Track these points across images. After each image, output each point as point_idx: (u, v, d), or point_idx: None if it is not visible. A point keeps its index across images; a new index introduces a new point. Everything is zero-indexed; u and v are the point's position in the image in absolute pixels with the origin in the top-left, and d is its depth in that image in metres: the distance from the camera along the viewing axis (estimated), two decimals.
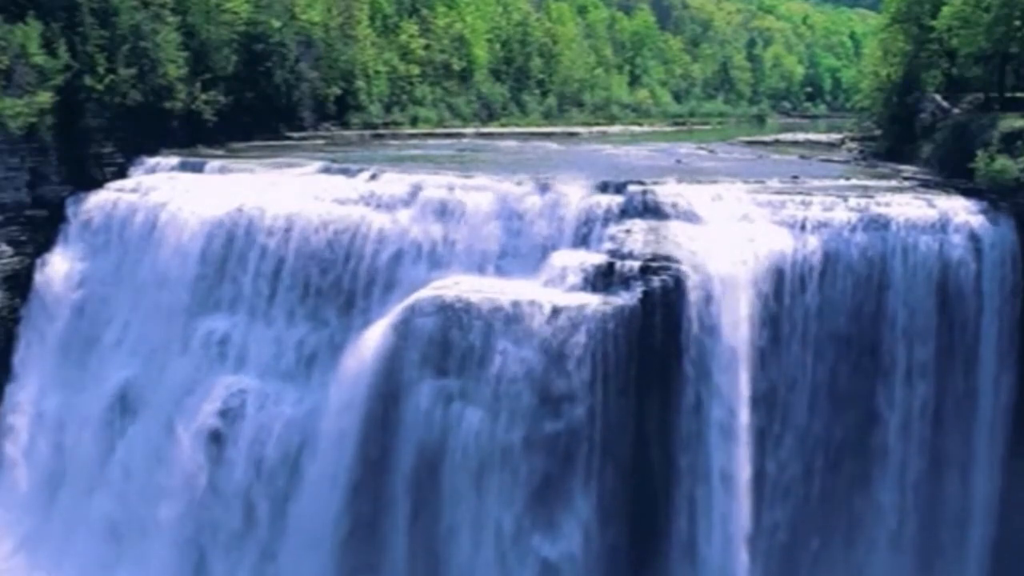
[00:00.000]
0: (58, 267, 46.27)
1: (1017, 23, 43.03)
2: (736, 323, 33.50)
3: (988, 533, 34.74)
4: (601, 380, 33.40)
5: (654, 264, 34.08)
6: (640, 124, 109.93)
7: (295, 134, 64.36)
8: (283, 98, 64.42)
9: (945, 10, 46.21)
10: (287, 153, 53.33)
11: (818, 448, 34.60)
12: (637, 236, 35.24)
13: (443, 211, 38.43)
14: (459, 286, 35.73)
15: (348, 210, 39.91)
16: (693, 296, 33.45)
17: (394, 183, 41.03)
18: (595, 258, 35.11)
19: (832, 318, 34.29)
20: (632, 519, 34.15)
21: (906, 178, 42.42)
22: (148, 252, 42.93)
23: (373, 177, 42.28)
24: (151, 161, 49.89)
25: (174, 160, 49.45)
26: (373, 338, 35.93)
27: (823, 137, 74.82)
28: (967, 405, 34.54)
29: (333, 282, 38.83)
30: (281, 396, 38.52)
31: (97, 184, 48.43)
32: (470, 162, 52.62)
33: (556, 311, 33.71)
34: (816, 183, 40.58)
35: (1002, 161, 36.34)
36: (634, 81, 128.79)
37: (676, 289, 33.59)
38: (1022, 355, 34.35)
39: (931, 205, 35.80)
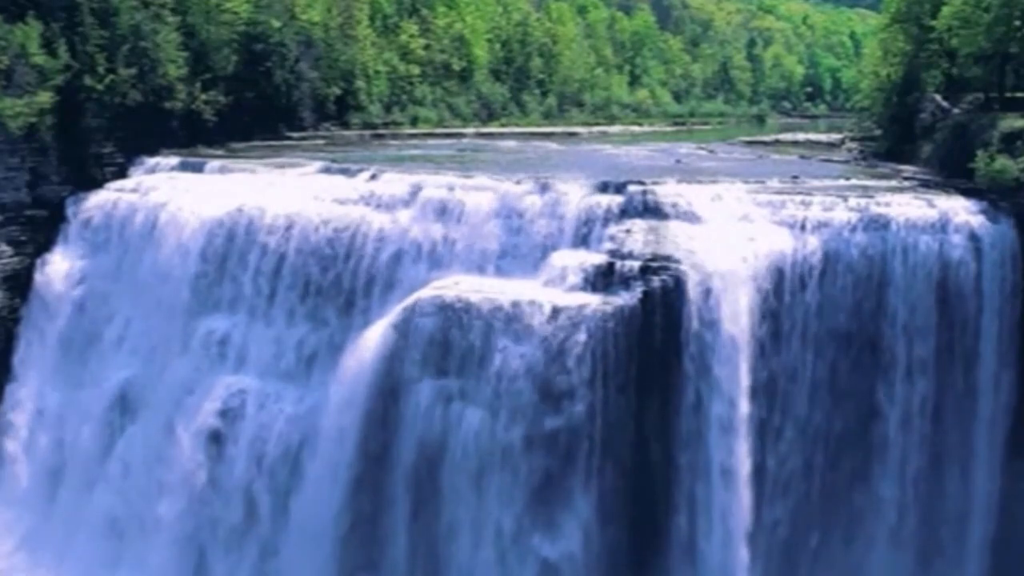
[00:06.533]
0: (58, 267, 46.25)
1: (1017, 23, 43.00)
2: (736, 322, 33.46)
3: (988, 531, 34.67)
4: (601, 379, 33.34)
5: (654, 264, 34.05)
6: (640, 124, 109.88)
7: (295, 134, 64.36)
8: (283, 98, 64.44)
9: (945, 10, 46.17)
10: (287, 153, 53.31)
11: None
12: (637, 236, 35.22)
13: (443, 211, 38.41)
14: (459, 286, 35.70)
15: (348, 210, 39.90)
16: (693, 295, 33.39)
17: (394, 183, 41.03)
18: (595, 258, 35.07)
19: (832, 318, 34.25)
20: (632, 519, 34.11)
21: (906, 178, 42.39)
22: (148, 252, 42.92)
23: (373, 177, 42.28)
24: (151, 161, 49.90)
25: (174, 160, 49.45)
26: (373, 338, 35.90)
27: (823, 137, 74.81)
28: (967, 405, 34.47)
29: (333, 282, 38.81)
30: (281, 396, 38.50)
31: (97, 184, 48.45)
32: (470, 162, 52.60)
33: (556, 311, 33.68)
34: (816, 183, 40.54)
35: (1002, 161, 36.32)
36: (634, 81, 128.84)
37: (676, 289, 33.55)
38: (1022, 355, 34.29)
39: (931, 205, 35.73)
